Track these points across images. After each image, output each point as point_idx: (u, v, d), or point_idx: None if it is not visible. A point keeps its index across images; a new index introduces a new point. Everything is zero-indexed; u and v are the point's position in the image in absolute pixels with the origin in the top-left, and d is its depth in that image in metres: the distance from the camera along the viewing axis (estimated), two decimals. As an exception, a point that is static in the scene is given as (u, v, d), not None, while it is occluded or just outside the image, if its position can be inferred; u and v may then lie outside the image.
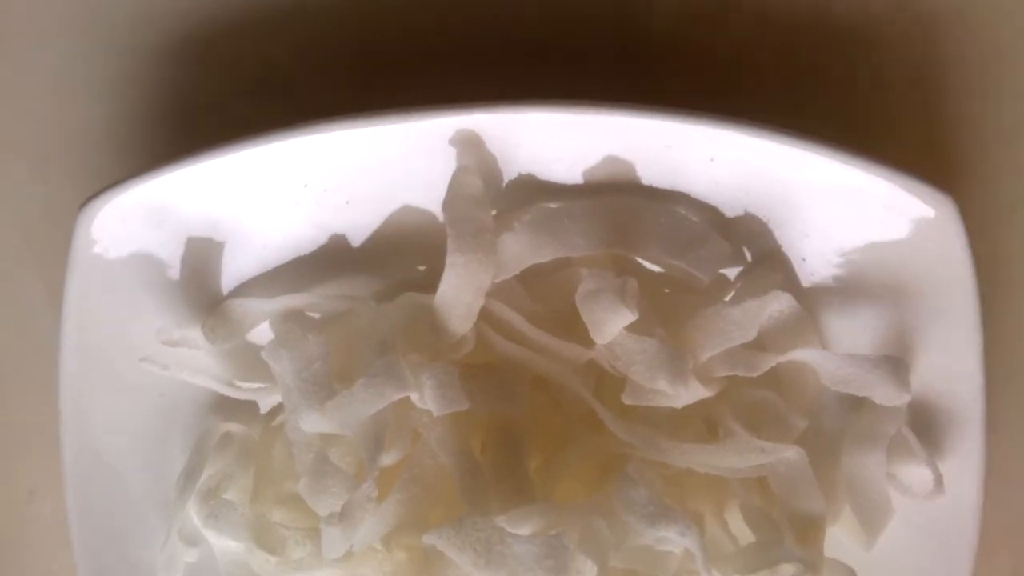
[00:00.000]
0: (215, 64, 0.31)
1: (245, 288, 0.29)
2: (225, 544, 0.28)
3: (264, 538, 0.27)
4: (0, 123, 0.32)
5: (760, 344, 0.27)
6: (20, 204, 0.32)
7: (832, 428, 0.28)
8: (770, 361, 0.26)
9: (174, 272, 0.28)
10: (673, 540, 0.24)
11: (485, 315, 0.26)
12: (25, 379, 0.32)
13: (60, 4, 0.32)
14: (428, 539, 0.24)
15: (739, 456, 0.26)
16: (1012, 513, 0.30)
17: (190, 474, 0.28)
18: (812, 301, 0.28)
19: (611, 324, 0.25)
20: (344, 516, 0.24)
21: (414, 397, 0.25)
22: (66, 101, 0.32)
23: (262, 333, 0.29)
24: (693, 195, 0.27)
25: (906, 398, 0.26)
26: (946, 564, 0.27)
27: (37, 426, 0.32)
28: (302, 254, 0.29)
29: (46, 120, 0.32)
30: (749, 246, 0.28)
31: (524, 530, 0.24)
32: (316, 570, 0.27)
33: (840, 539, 0.28)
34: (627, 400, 0.25)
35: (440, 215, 0.27)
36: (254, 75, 0.31)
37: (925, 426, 0.27)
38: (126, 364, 0.28)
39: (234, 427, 0.29)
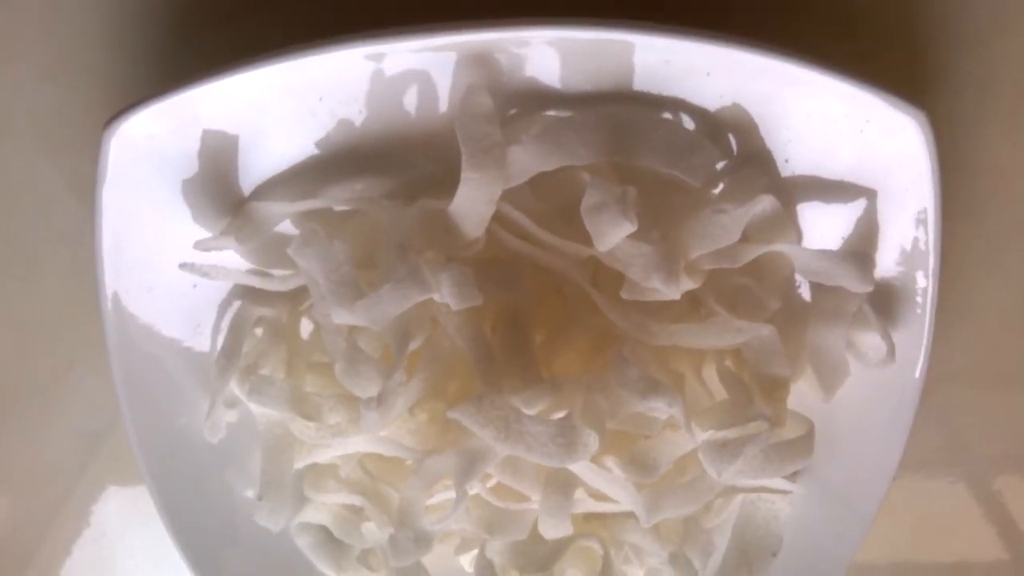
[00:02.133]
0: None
1: (264, 189, 0.29)
2: (266, 412, 0.30)
3: (302, 407, 0.29)
4: (10, 28, 0.32)
5: (743, 237, 0.27)
6: (34, 104, 0.32)
7: (801, 305, 0.29)
8: (752, 254, 0.27)
9: (198, 179, 0.28)
10: (661, 409, 0.26)
11: (495, 216, 0.27)
12: (56, 262, 0.33)
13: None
14: (452, 414, 0.26)
15: (719, 336, 0.28)
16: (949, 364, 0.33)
17: (229, 354, 0.30)
18: (792, 198, 0.28)
19: (613, 235, 0.26)
20: (381, 402, 0.26)
21: (434, 296, 0.26)
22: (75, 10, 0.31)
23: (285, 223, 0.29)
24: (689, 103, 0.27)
25: (868, 288, 0.27)
26: (892, 412, 0.29)
27: (73, 303, 0.33)
28: (318, 158, 0.29)
29: (57, 28, 0.32)
30: (737, 141, 0.28)
31: (534, 410, 0.26)
32: (351, 435, 0.29)
33: (802, 392, 0.30)
34: (625, 296, 0.27)
35: (445, 119, 0.28)
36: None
37: (884, 303, 0.28)
38: (159, 263, 0.29)
39: (264, 311, 0.30)
